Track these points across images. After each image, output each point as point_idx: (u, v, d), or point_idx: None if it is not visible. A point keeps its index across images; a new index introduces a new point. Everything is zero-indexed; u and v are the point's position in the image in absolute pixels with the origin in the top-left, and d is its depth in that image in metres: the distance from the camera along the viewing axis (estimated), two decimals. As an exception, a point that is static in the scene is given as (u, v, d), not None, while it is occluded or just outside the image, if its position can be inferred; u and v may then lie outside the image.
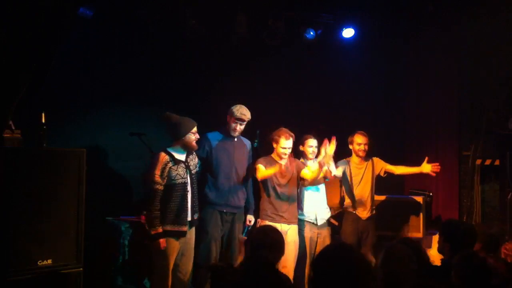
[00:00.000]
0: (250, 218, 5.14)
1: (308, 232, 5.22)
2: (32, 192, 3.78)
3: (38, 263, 3.78)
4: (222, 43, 6.38)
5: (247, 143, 5.25)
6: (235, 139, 5.10)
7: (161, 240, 4.36)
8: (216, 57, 6.48)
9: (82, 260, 3.97)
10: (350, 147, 5.62)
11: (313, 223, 5.24)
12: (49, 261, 3.82)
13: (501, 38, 5.92)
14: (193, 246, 4.67)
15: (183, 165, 4.55)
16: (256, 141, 5.53)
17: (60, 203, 3.91)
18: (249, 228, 5.02)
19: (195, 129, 4.58)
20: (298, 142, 5.35)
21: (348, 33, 6.63)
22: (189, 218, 4.54)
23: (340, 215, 5.77)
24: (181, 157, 4.58)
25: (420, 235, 5.84)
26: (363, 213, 5.52)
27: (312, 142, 5.30)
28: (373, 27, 6.68)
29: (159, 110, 4.73)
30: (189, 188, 4.55)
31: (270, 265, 2.78)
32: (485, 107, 6.26)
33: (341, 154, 5.64)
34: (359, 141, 5.56)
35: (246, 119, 5.00)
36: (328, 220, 5.42)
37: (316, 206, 5.29)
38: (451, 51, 6.58)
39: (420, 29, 6.78)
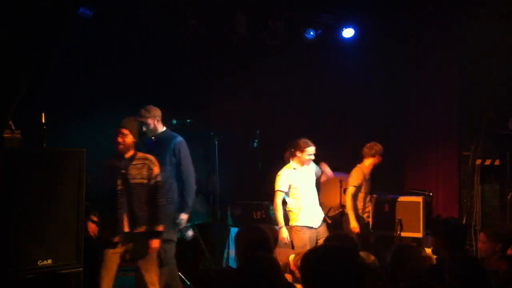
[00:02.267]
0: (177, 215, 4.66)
1: (306, 232, 5.25)
2: (32, 192, 3.77)
3: (38, 263, 3.77)
4: (222, 43, 6.39)
5: (169, 139, 4.77)
6: (154, 141, 4.81)
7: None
8: (216, 57, 6.48)
9: (82, 260, 3.96)
10: (370, 158, 5.69)
11: (311, 227, 5.28)
12: (49, 261, 3.81)
13: (501, 38, 5.91)
14: (149, 259, 4.25)
15: (118, 171, 4.21)
16: (256, 141, 5.52)
17: (60, 203, 3.89)
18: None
19: (118, 130, 4.33)
20: (296, 146, 5.20)
21: (348, 33, 6.63)
22: (126, 229, 4.16)
23: (339, 215, 5.77)
24: (119, 163, 4.25)
25: (420, 235, 5.84)
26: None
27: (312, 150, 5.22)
28: (373, 27, 6.68)
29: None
30: (123, 198, 4.15)
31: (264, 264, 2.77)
32: (485, 107, 6.25)
33: (341, 155, 5.63)
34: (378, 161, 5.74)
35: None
36: (323, 219, 5.45)
37: (311, 210, 5.32)
38: (451, 51, 6.58)
39: (420, 29, 6.78)
